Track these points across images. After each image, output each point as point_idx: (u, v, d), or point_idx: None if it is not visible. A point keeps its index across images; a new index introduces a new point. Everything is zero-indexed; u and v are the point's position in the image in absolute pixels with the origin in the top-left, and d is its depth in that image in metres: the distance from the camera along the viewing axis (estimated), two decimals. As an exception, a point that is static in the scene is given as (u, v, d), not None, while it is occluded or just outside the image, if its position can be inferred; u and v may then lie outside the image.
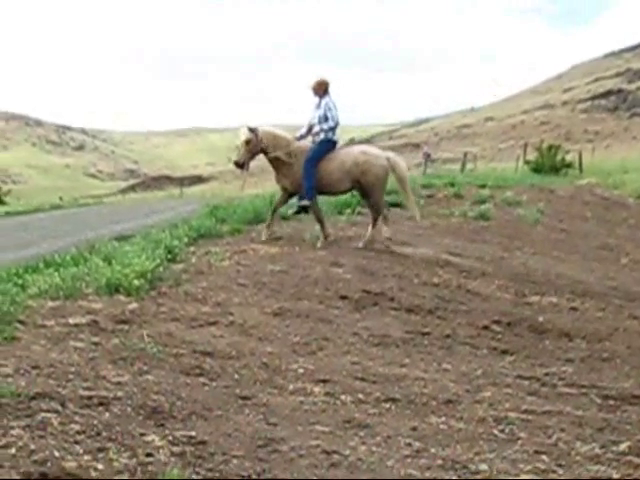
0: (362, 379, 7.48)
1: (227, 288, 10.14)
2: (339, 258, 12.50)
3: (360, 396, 7.01)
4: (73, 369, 6.45)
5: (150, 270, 9.90)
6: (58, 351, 6.95)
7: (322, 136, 14.23)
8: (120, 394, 6.03)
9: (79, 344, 7.22)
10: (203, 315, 8.83)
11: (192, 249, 12.36)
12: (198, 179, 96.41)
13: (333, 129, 14.30)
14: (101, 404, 5.76)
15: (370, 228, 14.49)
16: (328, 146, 14.32)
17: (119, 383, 6.30)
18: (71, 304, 8.58)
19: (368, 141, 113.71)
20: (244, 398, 6.56)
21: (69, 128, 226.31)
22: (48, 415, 5.39)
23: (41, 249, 12.80)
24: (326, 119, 14.18)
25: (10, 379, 6.00)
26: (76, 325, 7.80)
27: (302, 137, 14.52)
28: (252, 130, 13.92)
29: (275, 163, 14.21)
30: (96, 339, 7.41)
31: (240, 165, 14.08)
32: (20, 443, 4.94)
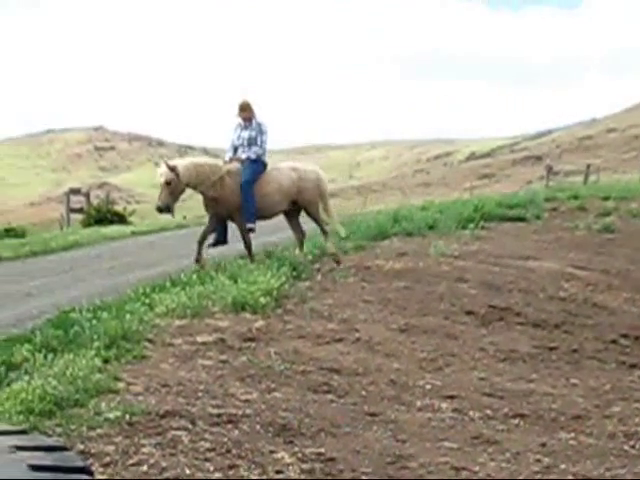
0: (490, 395, 7.40)
1: (352, 305, 10.13)
2: (464, 273, 12.38)
3: (488, 412, 6.93)
4: (202, 387, 6.52)
5: (276, 288, 9.95)
6: (187, 369, 7.03)
7: (253, 156, 13.18)
8: (249, 411, 6.07)
9: (207, 362, 7.29)
10: (329, 332, 8.83)
11: (317, 266, 12.38)
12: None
13: (263, 154, 13.35)
14: (230, 422, 5.80)
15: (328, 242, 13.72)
16: (261, 167, 13.34)
17: (247, 401, 6.34)
18: (198, 322, 8.67)
19: (489, 155, 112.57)
20: (372, 415, 6.54)
21: (191, 147, 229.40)
22: (178, 433, 5.45)
23: (167, 268, 12.96)
24: (255, 143, 13.26)
25: (141, 397, 6.10)
26: (204, 343, 7.88)
27: (231, 160, 13.39)
28: (172, 169, 12.52)
29: (205, 192, 12.95)
30: (224, 357, 7.48)
31: (162, 210, 12.81)
32: (151, 461, 5.00)
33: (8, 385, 6.27)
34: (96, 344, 7.35)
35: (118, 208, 33.60)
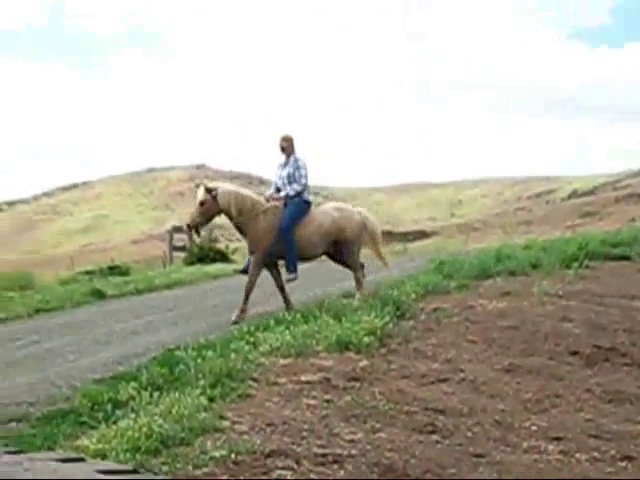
0: (596, 436, 7.24)
1: (456, 344, 10.04)
2: (568, 313, 12.17)
3: (595, 454, 6.78)
4: (307, 426, 6.50)
5: (380, 327, 9.92)
6: (291, 408, 7.03)
7: (292, 193, 12.93)
8: (354, 452, 6.03)
9: (312, 401, 7.28)
10: (433, 372, 8.76)
11: (420, 305, 12.30)
12: (421, 234, 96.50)
13: (303, 191, 13.06)
14: (336, 462, 5.77)
15: (357, 291, 13.32)
16: (303, 207, 13.06)
17: (352, 441, 6.30)
18: (302, 361, 8.68)
19: (591, 192, 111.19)
20: (477, 456, 6.45)
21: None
22: (284, 472, 5.44)
23: (270, 307, 13.03)
24: (295, 180, 13.00)
25: (246, 436, 6.11)
26: (308, 382, 7.87)
27: (271, 199, 13.10)
28: (209, 190, 12.59)
29: (240, 226, 12.81)
30: (328, 396, 7.46)
31: (191, 228, 12.99)
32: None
33: (114, 422, 6.34)
34: (201, 382, 7.42)
35: (220, 246, 33.89)
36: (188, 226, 13.01)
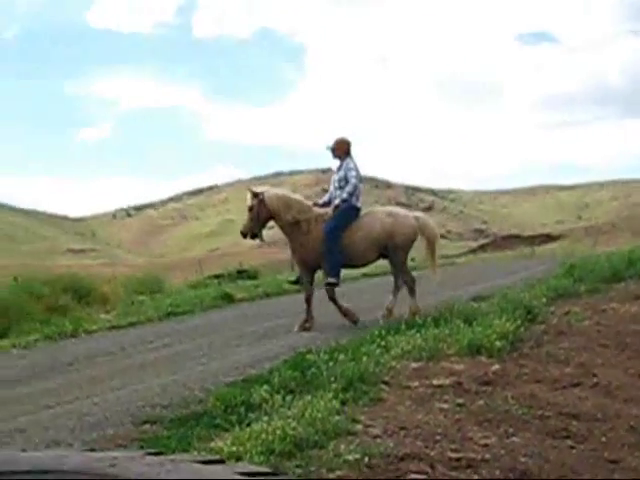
0: None
1: (589, 349, 9.86)
2: None
3: None
4: (439, 430, 6.45)
5: (511, 331, 9.83)
6: (423, 412, 6.98)
7: (344, 196, 12.58)
8: (488, 456, 5.96)
9: (444, 405, 7.23)
10: (566, 376, 8.61)
11: (551, 309, 12.14)
12: (548, 237, 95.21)
13: (353, 194, 12.61)
14: (469, 466, 5.71)
15: (391, 295, 13.00)
16: (351, 213, 12.65)
17: (486, 445, 6.23)
18: (434, 365, 8.64)
19: None
20: (613, 462, 6.30)
21: (418, 189, 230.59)
22: (418, 477, 5.40)
23: (399, 310, 12.97)
24: (346, 182, 12.63)
25: (379, 440, 6.09)
26: (440, 386, 7.82)
27: (324, 204, 12.87)
28: (255, 195, 12.39)
29: (288, 232, 12.56)
30: (460, 400, 7.39)
31: (245, 235, 12.58)
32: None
33: (248, 425, 6.38)
34: (333, 386, 7.43)
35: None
36: (242, 234, 12.62)
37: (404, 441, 6.09)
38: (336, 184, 12.76)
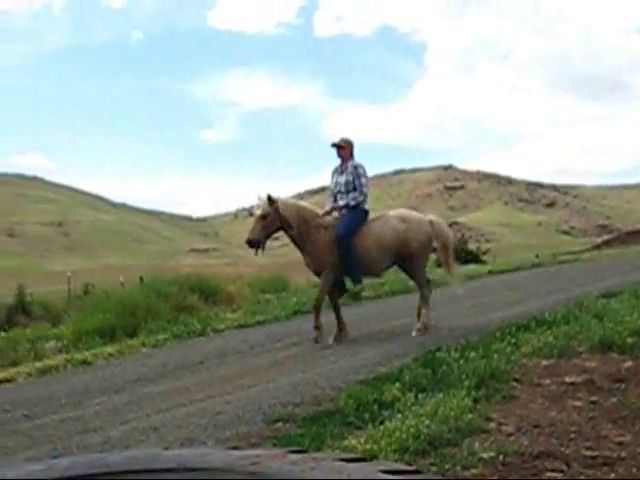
0: None
1: None
2: None
3: None
4: (573, 428, 6.36)
5: (643, 327, 9.64)
6: (556, 410, 6.90)
7: (352, 203, 11.92)
8: (624, 454, 5.84)
9: (577, 403, 7.13)
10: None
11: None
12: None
13: (363, 202, 12.03)
14: (605, 464, 5.61)
15: (423, 309, 12.17)
16: (361, 217, 12.00)
17: (621, 443, 6.11)
18: (565, 362, 8.54)
19: None
20: None
21: (540, 185, 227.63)
22: (554, 475, 5.33)
23: (528, 307, 12.85)
24: (354, 189, 11.93)
25: (512, 437, 6.04)
26: (572, 384, 7.72)
27: (331, 211, 12.06)
28: (272, 202, 11.55)
29: (299, 241, 11.86)
30: (593, 398, 7.28)
31: (252, 244, 11.55)
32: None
33: (381, 423, 6.40)
34: (465, 383, 7.41)
35: (471, 247, 33.81)
36: (249, 242, 11.55)
37: (538, 439, 6.03)
38: (342, 188, 12.04)
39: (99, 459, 2.64)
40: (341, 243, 11.63)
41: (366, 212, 12.08)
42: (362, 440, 5.84)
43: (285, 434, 6.66)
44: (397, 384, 7.63)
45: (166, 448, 2.98)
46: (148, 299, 17.71)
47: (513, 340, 9.45)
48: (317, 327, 11.75)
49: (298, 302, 17.42)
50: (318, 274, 12.01)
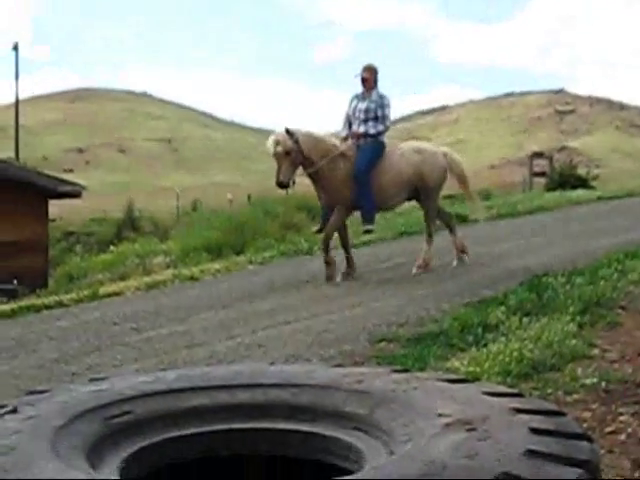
0: None
1: None
2: None
3: None
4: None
5: None
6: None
7: (372, 131, 11.16)
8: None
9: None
10: None
11: None
12: None
13: (383, 133, 11.37)
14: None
15: (425, 245, 11.53)
16: (381, 151, 11.28)
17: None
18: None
19: None
20: None
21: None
22: (657, 404, 5.30)
23: (637, 234, 12.63)
24: (376, 118, 11.19)
25: (615, 365, 6.00)
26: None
27: (347, 138, 11.32)
28: (291, 135, 10.70)
29: (314, 176, 11.05)
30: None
31: (285, 186, 11.05)
32: (629, 430, 4.90)
33: (484, 346, 6.40)
34: (570, 309, 7.36)
35: (580, 172, 33.28)
36: (281, 184, 10.95)
37: (643, 367, 5.97)
38: (361, 115, 11.29)
39: (205, 373, 2.71)
40: (360, 179, 10.96)
41: (384, 145, 11.42)
42: (465, 362, 5.86)
43: (389, 354, 6.71)
44: (502, 307, 7.63)
45: (271, 364, 3.04)
46: (256, 217, 17.90)
47: (620, 267, 9.33)
48: (328, 263, 11.11)
49: (405, 223, 17.41)
50: (332, 209, 11.11)
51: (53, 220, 32.66)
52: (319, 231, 11.46)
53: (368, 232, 11.84)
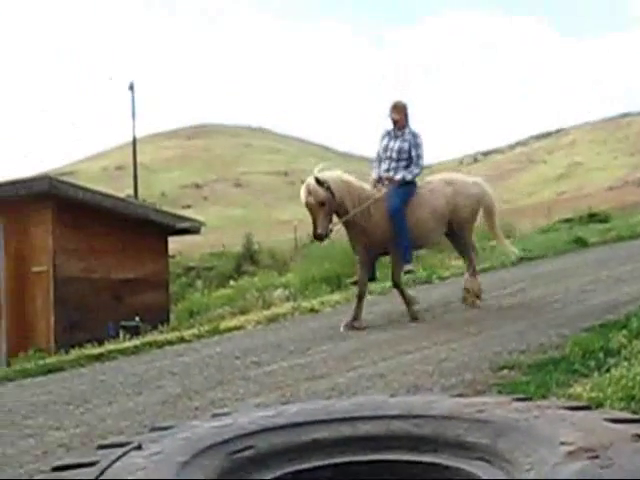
0: None
1: None
2: None
3: None
4: None
5: None
6: None
7: (409, 177, 10.62)
8: None
9: None
10: None
11: None
12: None
13: (419, 175, 10.85)
14: None
15: (468, 277, 11.13)
16: (413, 188, 10.74)
17: None
18: None
19: None
20: None
21: None
22: None
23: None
24: (409, 158, 10.68)
25: None
26: None
27: (379, 181, 10.76)
28: (322, 184, 10.11)
29: (348, 223, 10.40)
30: None
31: (324, 238, 10.33)
32: None
33: (607, 371, 6.29)
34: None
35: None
36: (320, 237, 10.27)
37: None
38: (393, 155, 10.78)
39: (327, 405, 2.74)
40: (396, 218, 10.41)
41: (415, 184, 10.87)
42: (587, 388, 5.76)
43: (510, 381, 6.64)
44: (624, 331, 7.50)
45: (392, 395, 3.06)
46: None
47: None
48: (355, 318, 10.37)
49: (524, 248, 17.25)
50: (369, 256, 10.63)
51: (173, 256, 33.12)
52: (356, 283, 10.89)
53: (409, 272, 11.27)
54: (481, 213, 11.39)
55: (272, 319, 12.08)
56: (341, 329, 10.18)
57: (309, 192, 10.05)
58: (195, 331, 11.63)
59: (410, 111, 11.01)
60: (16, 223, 17.70)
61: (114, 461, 2.13)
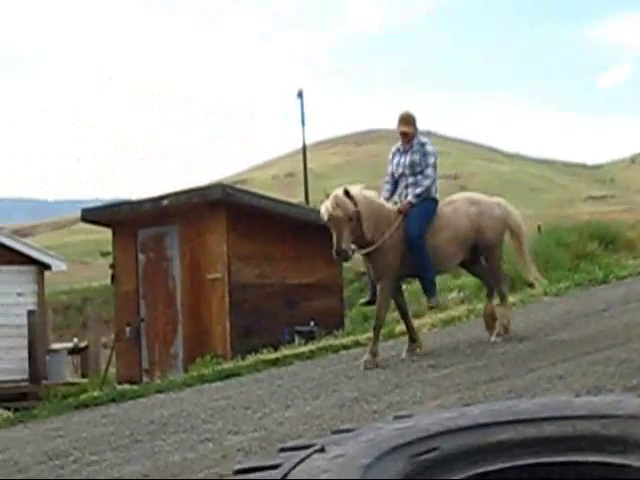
0: None
1: None
2: None
3: None
4: None
5: None
6: None
7: (418, 191, 9.73)
8: None
9: None
10: None
11: None
12: None
13: (431, 187, 9.89)
14: None
15: (501, 309, 9.99)
16: (432, 206, 9.85)
17: None
18: None
19: None
20: None
21: None
22: None
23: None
24: (420, 170, 9.84)
25: None
26: None
27: (391, 197, 9.97)
28: (352, 197, 9.29)
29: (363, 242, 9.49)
30: None
31: (348, 257, 9.51)
32: None
33: None
34: None
35: None
36: (344, 253, 9.31)
37: None
38: (406, 171, 9.98)
39: (511, 406, 2.71)
40: (415, 245, 9.60)
41: (436, 201, 10.02)
42: None
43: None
44: None
45: (577, 396, 3.00)
46: (547, 248, 17.70)
47: None
48: (373, 353, 9.51)
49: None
50: (391, 280, 9.74)
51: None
52: (368, 303, 10.43)
53: (434, 307, 10.62)
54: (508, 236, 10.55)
55: (447, 322, 12.05)
56: (403, 356, 9.65)
57: (337, 205, 9.27)
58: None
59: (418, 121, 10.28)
60: (191, 231, 18.11)
61: (297, 464, 2.14)
